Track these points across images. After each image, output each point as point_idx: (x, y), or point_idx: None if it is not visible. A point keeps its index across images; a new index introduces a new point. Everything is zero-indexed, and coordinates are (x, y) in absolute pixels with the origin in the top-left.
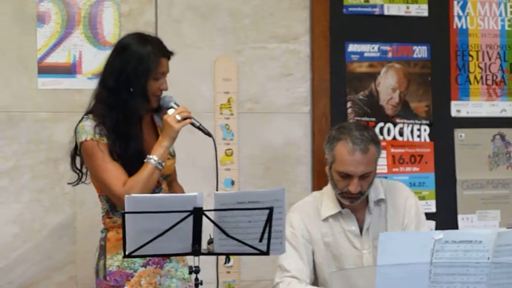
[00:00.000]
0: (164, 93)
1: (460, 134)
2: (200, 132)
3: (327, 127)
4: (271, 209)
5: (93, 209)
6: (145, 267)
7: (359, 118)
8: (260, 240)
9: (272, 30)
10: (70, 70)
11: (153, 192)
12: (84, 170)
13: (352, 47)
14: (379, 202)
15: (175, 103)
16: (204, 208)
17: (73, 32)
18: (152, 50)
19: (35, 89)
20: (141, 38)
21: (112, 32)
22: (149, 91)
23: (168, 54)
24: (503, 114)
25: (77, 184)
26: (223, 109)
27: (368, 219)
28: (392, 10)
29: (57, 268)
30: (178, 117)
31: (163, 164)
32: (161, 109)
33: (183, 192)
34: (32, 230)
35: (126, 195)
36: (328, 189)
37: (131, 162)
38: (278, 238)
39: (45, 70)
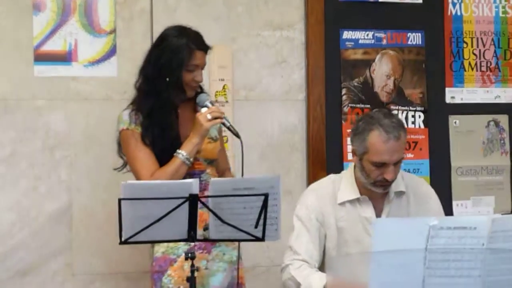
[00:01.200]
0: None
1: (455, 121)
2: None
3: (322, 114)
4: (266, 196)
5: (89, 197)
6: None
7: (353, 105)
8: (256, 226)
9: (266, 17)
10: (66, 57)
11: (199, 177)
12: None
13: (346, 34)
14: (399, 194)
15: (211, 102)
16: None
17: (69, 20)
18: (186, 43)
19: (31, 77)
20: (179, 30)
21: (107, 20)
22: (184, 82)
23: (203, 48)
24: (498, 101)
25: (122, 169)
26: (218, 96)
27: (387, 209)
28: None
29: (53, 255)
30: (209, 116)
31: (191, 160)
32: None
33: None
34: (29, 217)
35: (123, 182)
36: (346, 174)
37: (165, 150)
38: (273, 224)
39: (41, 58)
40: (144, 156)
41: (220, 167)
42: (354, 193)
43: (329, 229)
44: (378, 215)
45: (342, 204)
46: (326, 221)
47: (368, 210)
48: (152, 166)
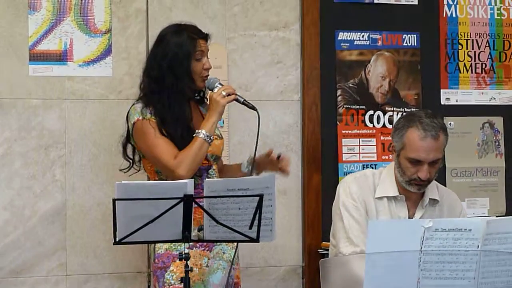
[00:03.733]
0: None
1: (450, 122)
2: None
3: (317, 115)
4: (261, 196)
5: (83, 196)
6: (192, 249)
7: (349, 106)
8: (250, 227)
9: (262, 18)
10: (61, 57)
11: (207, 172)
12: (136, 158)
13: (342, 35)
14: (433, 202)
15: (220, 83)
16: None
17: (64, 19)
18: (187, 34)
19: (26, 76)
20: (176, 26)
21: (103, 20)
22: (195, 72)
23: (203, 36)
24: (492, 102)
25: (129, 170)
26: None
27: (420, 213)
28: None
29: (47, 255)
30: (224, 93)
31: (212, 138)
32: (204, 101)
33: None
34: (23, 217)
35: (117, 182)
36: (387, 170)
37: (181, 141)
38: (268, 225)
39: (36, 57)
40: (164, 141)
41: (220, 165)
42: (393, 191)
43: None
44: (410, 218)
45: (380, 198)
46: (369, 211)
47: (402, 210)
48: (173, 150)
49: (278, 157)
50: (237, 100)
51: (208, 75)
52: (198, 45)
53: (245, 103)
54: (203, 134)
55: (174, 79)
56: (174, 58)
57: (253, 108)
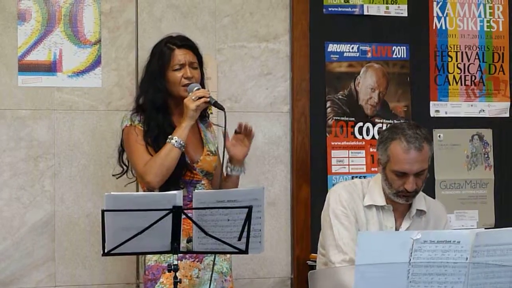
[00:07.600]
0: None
1: (439, 134)
2: None
3: (307, 127)
4: (250, 208)
5: (72, 207)
6: (181, 260)
7: (338, 118)
8: (239, 239)
9: (252, 29)
10: (50, 68)
11: (194, 186)
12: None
13: (331, 47)
14: (420, 213)
15: (198, 89)
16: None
17: (54, 30)
18: (165, 44)
19: (15, 87)
20: (162, 38)
21: (92, 30)
22: (173, 82)
23: (183, 45)
24: (482, 115)
25: (121, 176)
26: None
27: (406, 224)
28: (372, 10)
29: (36, 265)
30: (193, 97)
31: (182, 143)
32: (205, 117)
33: None
34: (12, 227)
35: (106, 193)
36: (373, 180)
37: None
38: (257, 236)
39: (26, 68)
40: (141, 148)
41: (215, 183)
42: (381, 200)
43: (361, 228)
44: (397, 228)
45: (369, 207)
46: (359, 219)
47: (390, 220)
48: (146, 157)
49: (237, 132)
50: (208, 102)
51: (189, 83)
52: (175, 56)
53: (215, 104)
54: (174, 139)
55: (154, 91)
56: (153, 70)
57: (221, 108)
